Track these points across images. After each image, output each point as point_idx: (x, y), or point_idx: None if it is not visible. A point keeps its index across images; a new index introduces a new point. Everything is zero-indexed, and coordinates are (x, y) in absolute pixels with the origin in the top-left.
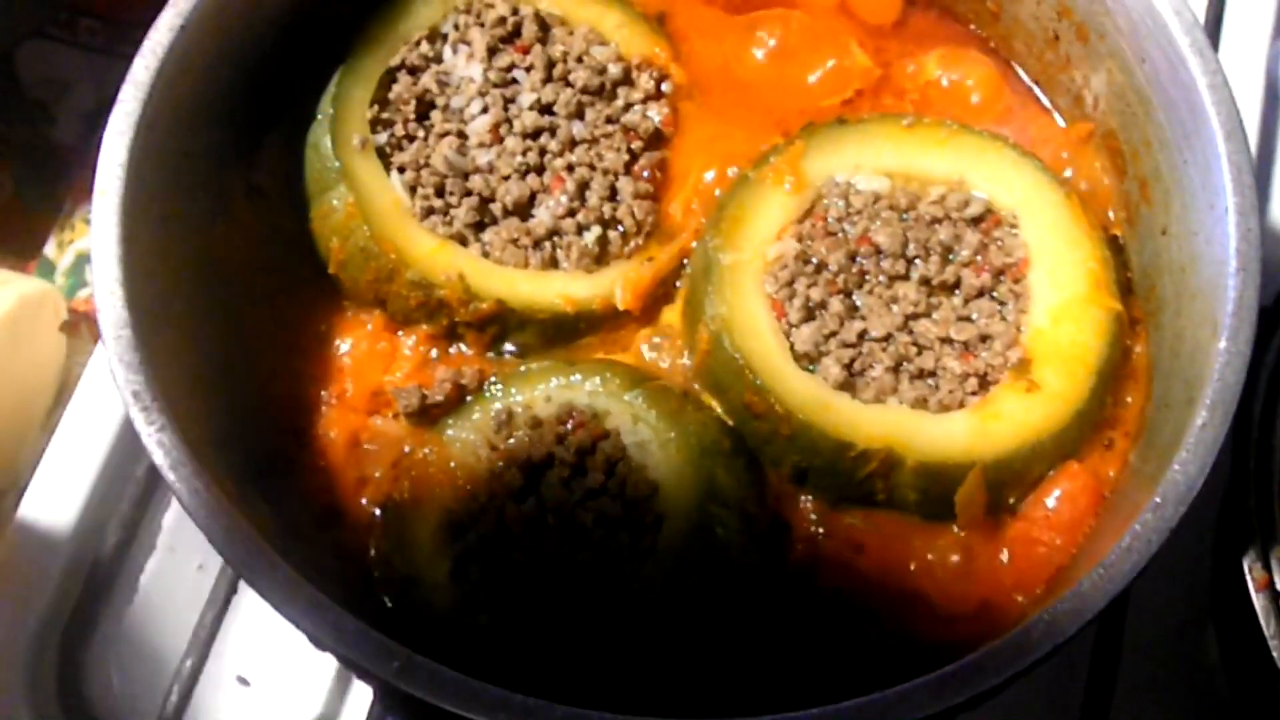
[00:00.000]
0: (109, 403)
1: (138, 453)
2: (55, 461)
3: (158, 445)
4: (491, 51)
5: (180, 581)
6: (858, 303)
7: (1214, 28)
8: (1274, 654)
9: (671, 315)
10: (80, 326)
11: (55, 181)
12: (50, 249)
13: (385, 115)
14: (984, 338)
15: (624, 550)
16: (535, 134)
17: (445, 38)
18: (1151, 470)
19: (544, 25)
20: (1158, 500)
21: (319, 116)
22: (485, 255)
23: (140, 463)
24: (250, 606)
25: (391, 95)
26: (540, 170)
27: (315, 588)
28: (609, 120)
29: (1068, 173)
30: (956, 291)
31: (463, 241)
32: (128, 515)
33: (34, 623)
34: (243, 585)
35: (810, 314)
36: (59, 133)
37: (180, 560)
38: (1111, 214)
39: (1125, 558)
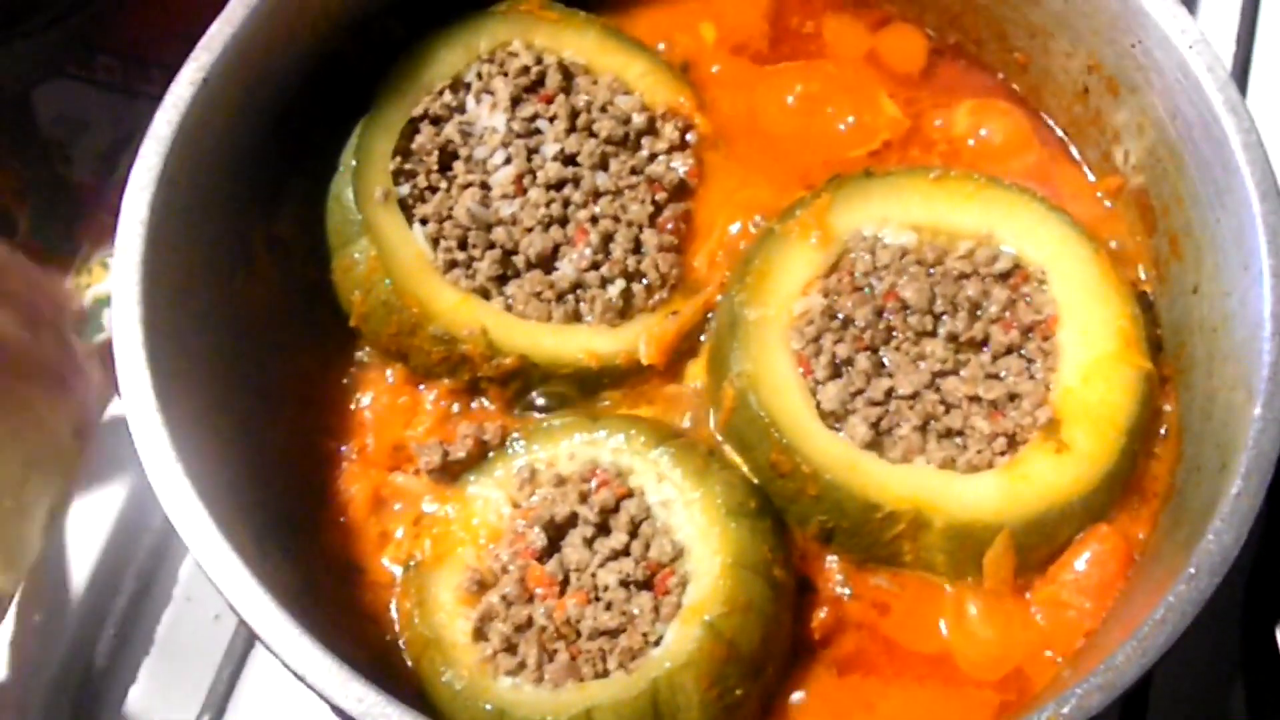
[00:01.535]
0: (126, 452)
1: (154, 502)
2: (72, 510)
3: (174, 505)
4: (515, 101)
5: (197, 633)
6: (885, 359)
7: (1241, 77)
8: None
9: (696, 370)
10: (97, 374)
11: (72, 222)
12: None
13: (408, 166)
14: (1012, 396)
15: (648, 612)
16: (559, 185)
17: (468, 87)
18: (1184, 536)
19: (568, 74)
20: (1191, 570)
21: (341, 168)
22: (508, 309)
23: (157, 512)
24: (269, 658)
25: (414, 146)
26: (564, 222)
27: (335, 654)
28: (633, 171)
29: (1097, 227)
30: (985, 349)
31: (485, 295)
32: (144, 565)
33: (48, 674)
34: None
35: (837, 371)
36: (75, 172)
37: (197, 611)
38: (1141, 270)
39: (1159, 630)
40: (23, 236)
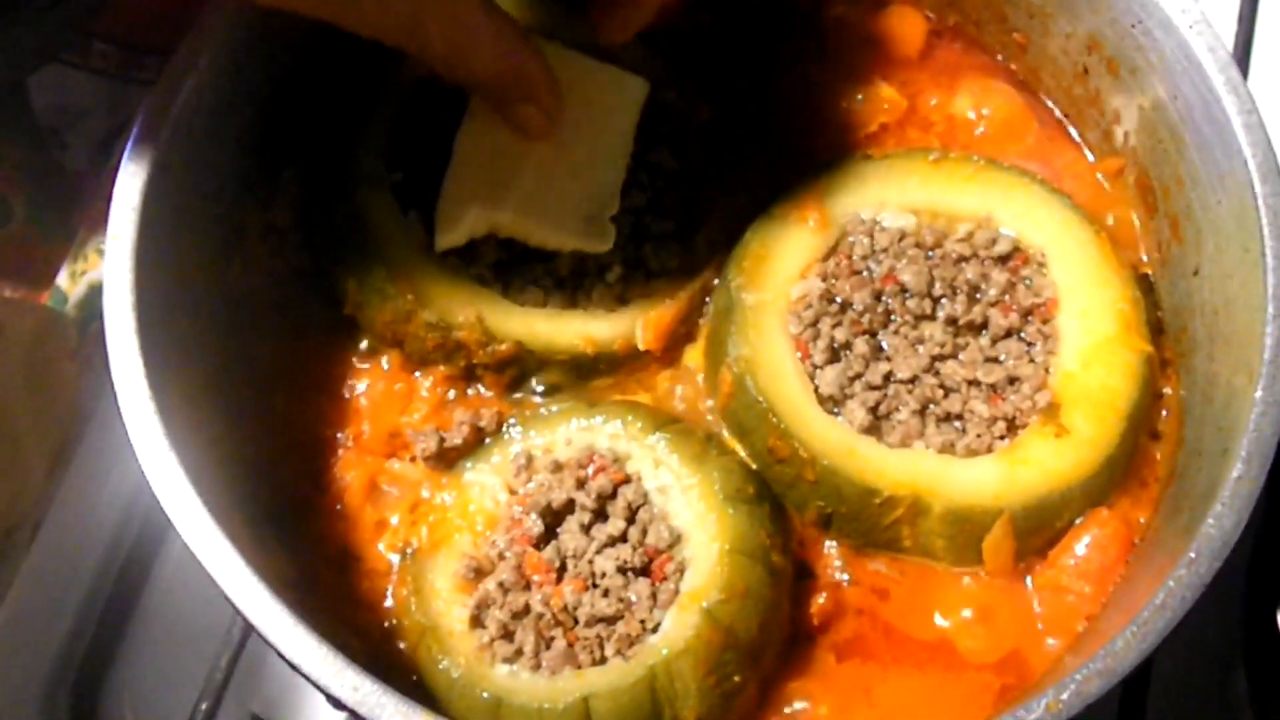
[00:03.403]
0: (120, 440)
1: (148, 491)
2: (71, 497)
3: (167, 493)
4: None
5: (194, 620)
6: (883, 344)
7: (1242, 58)
8: None
9: (694, 355)
10: (94, 359)
11: (68, 209)
12: (63, 279)
13: (402, 153)
14: (1012, 380)
15: (646, 599)
16: None
17: None
18: (1184, 520)
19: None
20: (1192, 555)
21: (337, 155)
22: (505, 295)
23: (151, 500)
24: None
25: (408, 132)
26: None
27: (331, 642)
28: (631, 156)
29: (1097, 209)
30: (984, 332)
31: (482, 281)
32: (139, 553)
33: (48, 661)
34: None
35: (835, 355)
36: (71, 159)
37: (194, 598)
38: (1143, 253)
39: (1159, 615)
40: (18, 223)
